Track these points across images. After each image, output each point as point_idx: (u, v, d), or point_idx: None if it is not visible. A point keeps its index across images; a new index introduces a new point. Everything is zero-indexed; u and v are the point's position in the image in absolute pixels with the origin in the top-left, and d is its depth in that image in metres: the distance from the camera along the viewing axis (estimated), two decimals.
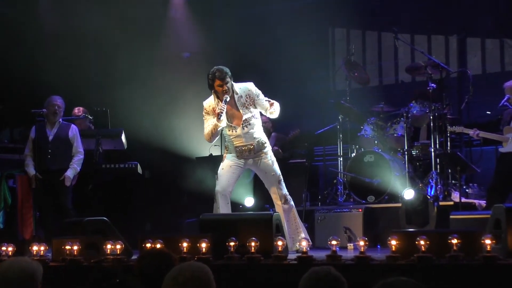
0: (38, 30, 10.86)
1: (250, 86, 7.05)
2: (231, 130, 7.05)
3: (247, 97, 6.99)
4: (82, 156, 8.71)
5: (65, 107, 8.98)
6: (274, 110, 6.94)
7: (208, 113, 7.08)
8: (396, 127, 9.63)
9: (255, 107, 7.03)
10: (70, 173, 8.56)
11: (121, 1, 11.14)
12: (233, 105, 7.01)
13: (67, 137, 8.64)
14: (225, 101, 6.90)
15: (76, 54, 11.15)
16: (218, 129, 7.01)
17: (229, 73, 6.95)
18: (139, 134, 10.97)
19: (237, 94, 6.99)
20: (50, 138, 8.58)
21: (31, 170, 8.49)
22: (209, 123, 7.03)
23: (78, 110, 9.60)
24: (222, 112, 6.86)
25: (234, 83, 7.01)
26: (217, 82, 6.93)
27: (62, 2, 11.27)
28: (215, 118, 6.92)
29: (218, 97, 7.01)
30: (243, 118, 6.99)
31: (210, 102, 7.09)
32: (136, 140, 10.43)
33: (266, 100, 6.98)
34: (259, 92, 7.04)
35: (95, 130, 9.36)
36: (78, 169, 8.66)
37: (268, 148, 7.13)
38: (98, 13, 11.16)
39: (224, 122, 6.96)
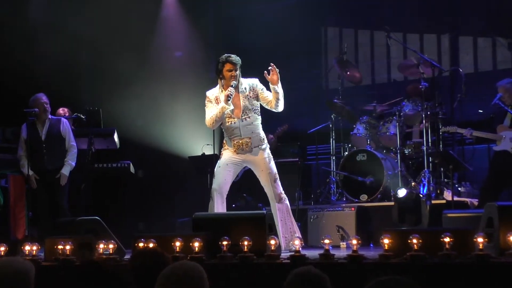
0: (30, 29, 10.83)
1: (255, 80, 7.13)
2: (230, 121, 7.05)
3: (251, 90, 7.05)
4: (75, 150, 8.65)
5: (57, 106, 8.96)
6: (278, 92, 6.91)
7: (210, 101, 7.11)
8: (389, 126, 9.64)
9: (258, 101, 7.05)
10: (65, 171, 8.49)
11: (113, 0, 11.13)
12: (237, 95, 7.03)
13: (59, 133, 8.59)
14: (233, 85, 6.94)
15: (68, 54, 11.12)
16: (224, 113, 6.98)
17: (240, 63, 6.99)
18: (132, 133, 10.96)
19: (241, 84, 7.05)
20: (43, 137, 8.54)
21: (27, 171, 8.45)
22: (212, 110, 7.05)
23: (63, 111, 9.55)
24: (231, 95, 6.89)
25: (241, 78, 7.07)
26: (228, 66, 6.97)
27: (53, 1, 11.24)
28: (222, 102, 6.93)
29: (223, 86, 7.03)
30: (244, 110, 7.00)
31: (213, 91, 7.13)
32: (129, 139, 10.42)
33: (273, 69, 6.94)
34: (264, 87, 7.08)
35: (88, 129, 9.33)
36: (73, 164, 8.59)
37: (266, 146, 7.13)
38: (90, 13, 11.14)
39: (231, 106, 6.96)
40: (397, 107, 9.62)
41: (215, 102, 7.07)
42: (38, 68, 10.42)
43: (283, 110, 7.13)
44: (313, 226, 8.63)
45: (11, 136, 9.40)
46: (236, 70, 6.98)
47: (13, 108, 9.28)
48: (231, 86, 6.94)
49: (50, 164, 8.50)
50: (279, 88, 6.94)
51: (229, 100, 6.90)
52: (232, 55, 7.04)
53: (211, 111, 7.06)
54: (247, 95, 7.04)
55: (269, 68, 6.90)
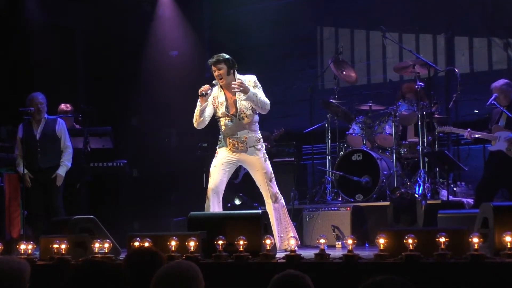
0: (25, 26, 10.81)
1: (251, 77, 7.05)
2: (227, 120, 7.03)
3: None
4: (71, 151, 8.59)
5: (53, 105, 8.93)
6: (250, 101, 6.89)
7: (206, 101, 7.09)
8: (384, 126, 9.64)
9: None
10: (61, 171, 8.45)
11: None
12: (233, 94, 7.02)
13: (54, 132, 8.54)
14: (213, 84, 6.94)
15: (63, 51, 11.11)
16: (202, 109, 6.96)
17: (226, 59, 6.95)
18: (127, 132, 10.96)
19: None
20: (38, 136, 8.51)
21: (22, 170, 8.44)
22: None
23: (65, 106, 9.54)
24: (204, 91, 6.87)
25: (238, 74, 7.03)
26: (212, 68, 6.99)
27: (50, 0, 11.22)
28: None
29: (221, 86, 7.04)
30: (240, 109, 6.98)
31: (213, 93, 7.09)
32: (125, 138, 10.42)
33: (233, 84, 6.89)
34: (259, 85, 7.02)
35: (83, 128, 9.32)
36: (69, 165, 8.55)
37: (262, 146, 7.11)
38: (86, 10, 11.13)
39: (207, 102, 6.96)
40: (392, 107, 9.63)
41: (213, 102, 7.06)
42: (34, 67, 10.40)
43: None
44: (309, 226, 8.63)
45: (5, 134, 9.38)
46: (219, 69, 6.94)
47: (8, 107, 9.26)
48: (212, 84, 6.95)
49: (43, 164, 8.47)
50: (250, 97, 6.86)
51: (202, 96, 6.89)
52: (215, 56, 7.01)
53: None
54: None
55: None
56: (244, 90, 6.82)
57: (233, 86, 6.83)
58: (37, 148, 8.48)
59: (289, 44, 12.27)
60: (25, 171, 8.40)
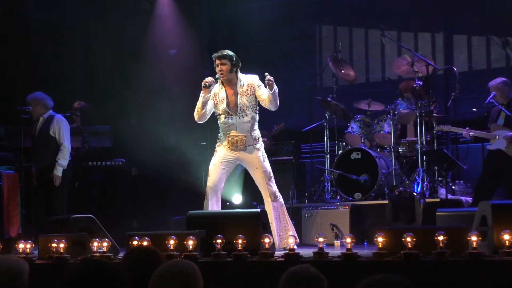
0: (23, 25, 10.80)
1: (254, 77, 7.10)
2: (227, 117, 7.04)
3: (248, 86, 7.02)
4: (65, 148, 8.39)
5: (55, 102, 8.87)
6: (272, 95, 6.88)
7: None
8: (383, 124, 9.65)
9: (256, 100, 7.03)
10: (57, 172, 8.33)
11: None
12: (234, 92, 7.03)
13: (48, 131, 8.42)
14: (216, 78, 6.97)
15: (62, 50, 11.10)
16: (204, 101, 6.99)
17: (230, 56, 6.99)
18: (126, 131, 10.94)
19: (240, 81, 7.03)
20: (35, 135, 8.50)
21: (33, 169, 8.46)
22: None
23: (78, 104, 9.54)
24: (208, 83, 6.91)
25: (240, 73, 7.05)
26: (216, 62, 7.00)
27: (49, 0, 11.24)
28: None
29: (222, 83, 7.04)
30: (241, 107, 6.99)
31: (215, 88, 7.10)
32: (123, 137, 10.41)
33: (267, 77, 6.89)
34: (262, 84, 7.03)
35: (82, 127, 9.32)
36: (64, 163, 8.38)
37: (261, 145, 7.13)
38: (84, 8, 11.12)
39: (209, 94, 6.98)
40: (391, 105, 9.63)
41: (213, 98, 7.07)
42: (33, 66, 10.39)
43: (278, 108, 7.12)
44: (307, 224, 8.63)
45: (5, 133, 9.38)
46: (223, 64, 6.96)
47: (7, 106, 9.25)
48: (215, 78, 6.95)
49: (39, 163, 8.43)
50: (272, 92, 6.90)
51: (206, 88, 6.90)
52: (221, 51, 7.03)
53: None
54: (245, 91, 7.01)
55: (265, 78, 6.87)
56: (273, 84, 6.85)
57: (268, 79, 6.81)
58: (34, 147, 8.47)
59: (288, 42, 12.27)
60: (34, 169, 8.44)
